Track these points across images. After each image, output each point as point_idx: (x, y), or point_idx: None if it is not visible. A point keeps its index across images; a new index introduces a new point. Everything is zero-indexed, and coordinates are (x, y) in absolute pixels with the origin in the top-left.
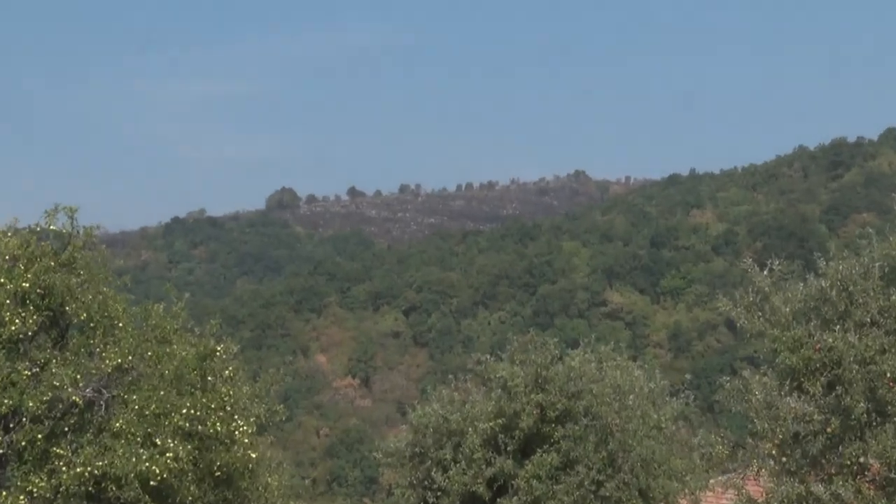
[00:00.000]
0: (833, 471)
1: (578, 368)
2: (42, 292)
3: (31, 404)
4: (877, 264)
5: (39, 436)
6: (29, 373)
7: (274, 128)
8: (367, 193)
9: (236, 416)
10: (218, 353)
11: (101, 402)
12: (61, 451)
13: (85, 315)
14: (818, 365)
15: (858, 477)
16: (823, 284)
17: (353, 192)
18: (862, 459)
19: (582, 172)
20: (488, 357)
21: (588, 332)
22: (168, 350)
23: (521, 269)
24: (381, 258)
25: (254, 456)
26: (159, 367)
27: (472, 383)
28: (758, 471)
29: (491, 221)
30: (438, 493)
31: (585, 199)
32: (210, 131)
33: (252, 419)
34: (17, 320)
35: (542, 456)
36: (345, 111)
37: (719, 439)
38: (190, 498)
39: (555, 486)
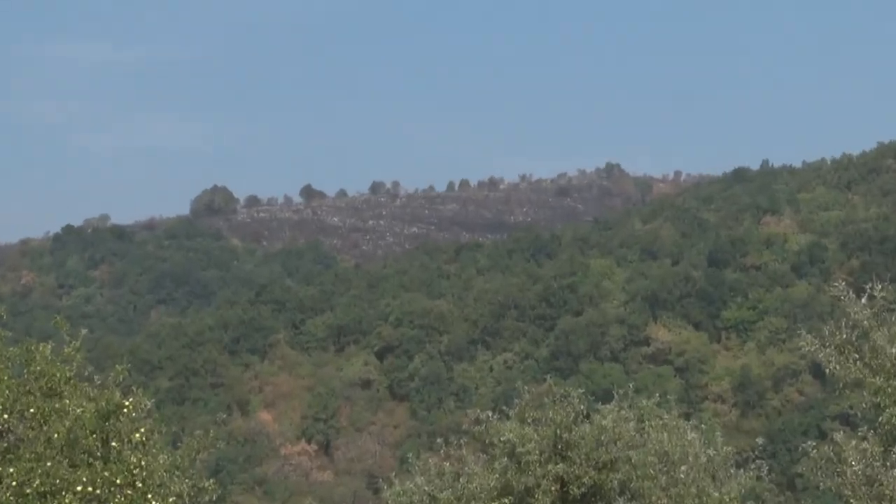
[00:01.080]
0: None
1: (612, 430)
2: None
3: None
4: None
5: None
6: None
7: (202, 108)
8: (328, 194)
9: (149, 495)
10: (126, 410)
11: None
12: None
13: None
14: None
15: None
16: None
17: (308, 192)
18: None
19: (615, 166)
20: (490, 414)
21: (625, 381)
22: (58, 406)
23: (535, 295)
24: (347, 281)
25: None
26: (46, 428)
27: (469, 449)
28: None
29: (494, 231)
30: None
31: (620, 201)
32: (113, 113)
33: (171, 499)
34: None
35: None
36: (298, 87)
37: None
38: None
39: None
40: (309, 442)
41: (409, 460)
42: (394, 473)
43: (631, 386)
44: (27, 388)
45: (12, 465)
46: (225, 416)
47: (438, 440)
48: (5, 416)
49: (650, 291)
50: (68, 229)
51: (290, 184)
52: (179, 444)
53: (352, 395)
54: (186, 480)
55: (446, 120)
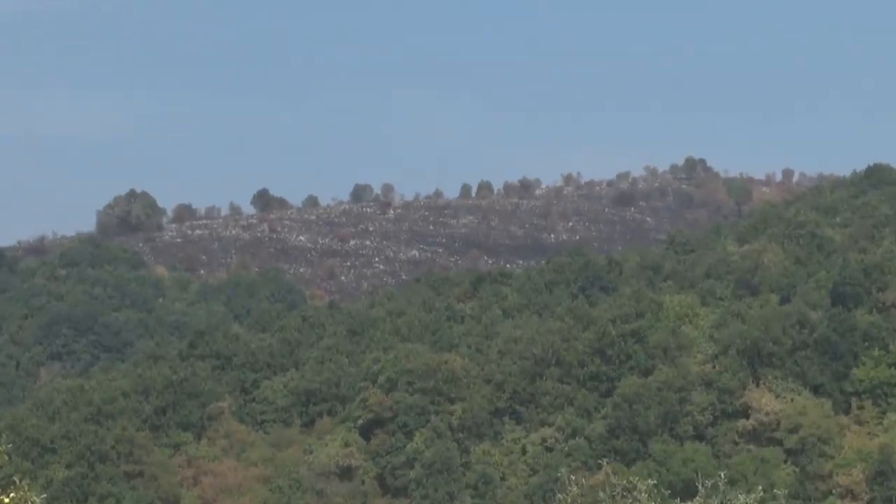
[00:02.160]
0: None
1: None
2: None
3: None
4: None
5: None
6: None
7: (111, 82)
8: (291, 203)
9: None
10: None
11: None
12: None
13: None
14: None
15: None
16: None
17: (263, 200)
18: None
19: (699, 163)
20: None
21: (714, 468)
22: None
23: (586, 346)
24: (318, 325)
25: None
26: None
27: None
28: None
29: (527, 255)
30: None
31: (707, 212)
32: None
33: None
34: None
35: None
36: (248, 54)
37: None
38: None
39: None
40: None
41: None
42: None
43: (723, 475)
44: None
45: None
46: None
47: None
48: None
49: (749, 341)
50: None
51: (238, 188)
52: None
53: (326, 489)
54: None
55: (458, 100)
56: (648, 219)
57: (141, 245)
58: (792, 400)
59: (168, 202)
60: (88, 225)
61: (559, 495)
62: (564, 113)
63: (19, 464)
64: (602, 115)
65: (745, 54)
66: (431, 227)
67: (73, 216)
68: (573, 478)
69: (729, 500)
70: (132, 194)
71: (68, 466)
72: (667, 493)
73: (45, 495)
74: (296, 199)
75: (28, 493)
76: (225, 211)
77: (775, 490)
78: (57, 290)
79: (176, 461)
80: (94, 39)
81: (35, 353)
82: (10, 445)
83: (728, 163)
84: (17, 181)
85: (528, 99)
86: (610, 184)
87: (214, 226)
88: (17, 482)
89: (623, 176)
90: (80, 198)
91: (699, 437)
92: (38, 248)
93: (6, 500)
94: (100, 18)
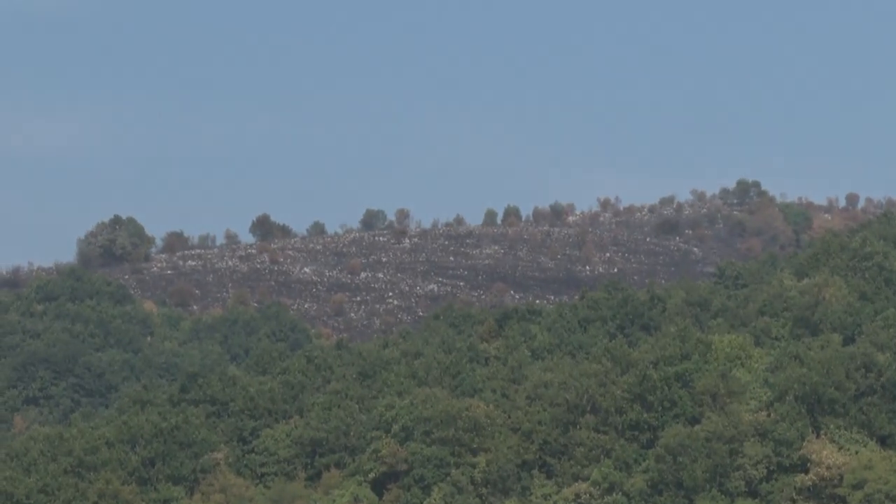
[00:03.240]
0: None
1: None
2: None
3: None
4: None
5: None
6: None
7: (91, 93)
8: (295, 231)
9: None
10: None
11: None
12: None
13: None
14: None
15: None
16: None
17: (263, 227)
18: None
19: (752, 186)
20: None
21: None
22: None
23: (625, 391)
24: (325, 367)
25: None
26: None
27: None
28: None
29: (559, 288)
30: None
31: (761, 242)
32: None
33: None
34: None
35: None
36: (243, 60)
37: None
38: None
39: None
40: None
41: None
42: None
43: None
44: None
45: None
46: None
47: None
48: None
49: (809, 386)
50: None
51: (236, 214)
52: None
53: None
54: None
55: (482, 117)
56: (695, 249)
57: (127, 277)
58: (857, 452)
59: (157, 230)
60: (68, 255)
61: None
62: (601, 131)
63: None
64: (644, 133)
65: (801, 66)
66: (452, 258)
67: (51, 245)
68: None
69: None
70: (117, 221)
71: None
72: None
73: None
74: (300, 226)
75: None
76: (220, 239)
77: None
78: (33, 327)
79: None
80: (70, 44)
81: (9, 397)
82: None
83: (785, 186)
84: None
85: (561, 116)
86: (652, 210)
87: (209, 256)
88: None
89: (667, 201)
90: (59, 224)
91: (752, 493)
92: (11, 281)
93: None
94: (82, 20)
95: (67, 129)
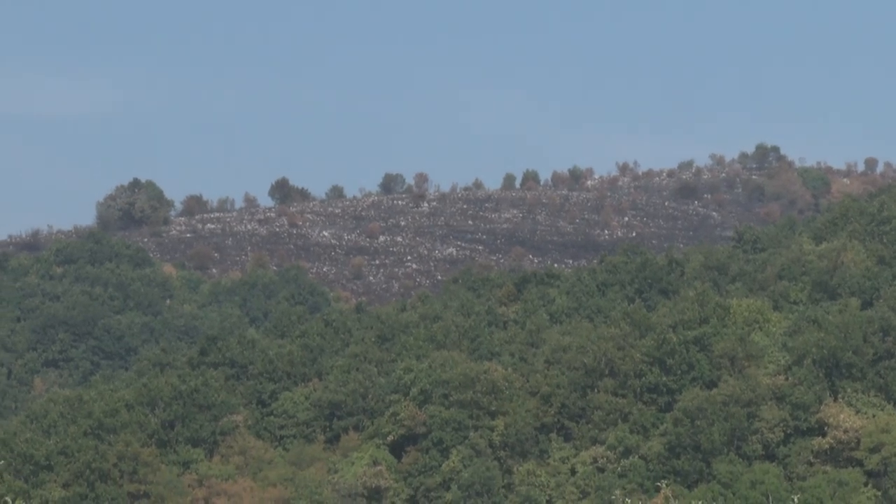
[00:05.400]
0: None
1: None
2: None
3: None
4: None
5: None
6: None
7: (110, 59)
8: (314, 194)
9: None
10: None
11: None
12: None
13: None
14: None
15: None
16: None
17: (282, 190)
18: None
19: (771, 150)
20: None
21: (785, 491)
22: None
23: (643, 355)
24: (344, 331)
25: None
26: None
27: None
28: None
29: (578, 253)
30: None
31: (780, 206)
32: None
33: None
34: None
35: None
36: (261, 27)
37: None
38: None
39: None
40: None
41: None
42: None
43: (795, 500)
44: None
45: None
46: None
47: None
48: None
49: (827, 350)
50: None
51: (254, 177)
52: None
53: None
54: None
55: (501, 81)
56: (714, 213)
57: (146, 240)
58: (874, 416)
59: (176, 193)
60: (87, 218)
61: None
62: (619, 95)
63: (12, 483)
64: (662, 97)
65: (820, 28)
66: (470, 222)
67: (71, 208)
68: (628, 501)
69: None
70: (136, 184)
71: (66, 486)
72: None
73: None
74: (319, 189)
75: None
76: (239, 203)
77: None
78: (52, 289)
79: (185, 480)
80: (88, 8)
81: (28, 359)
82: (2, 462)
83: (804, 151)
84: (7, 168)
85: (579, 79)
86: (671, 174)
87: (228, 219)
88: (10, 503)
89: (686, 165)
90: (78, 188)
91: (769, 456)
92: (31, 244)
93: None
94: None
95: (87, 94)
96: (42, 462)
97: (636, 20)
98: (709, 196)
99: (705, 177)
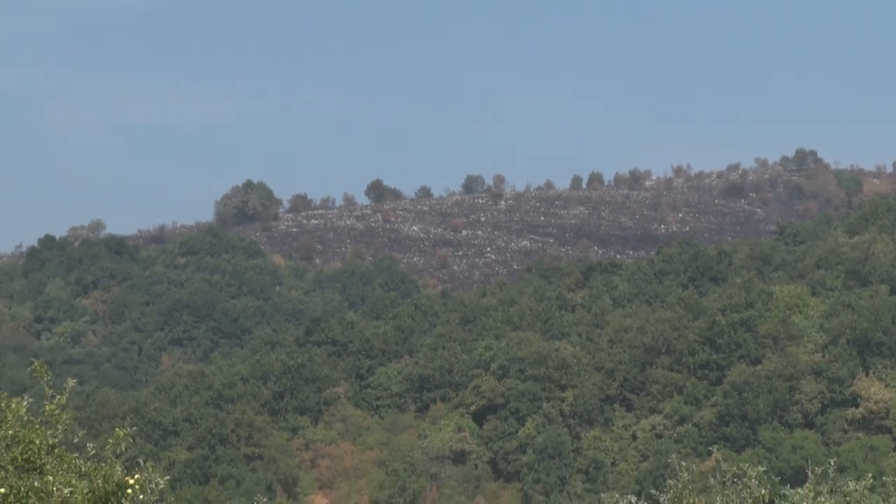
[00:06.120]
0: None
1: None
2: None
3: None
4: None
5: None
6: None
7: (228, 72)
8: (405, 194)
9: None
10: (130, 491)
11: None
12: None
13: None
14: None
15: None
16: None
17: (377, 190)
18: None
19: (810, 154)
20: (634, 500)
21: (823, 456)
22: (38, 484)
23: (695, 335)
24: (431, 313)
25: None
26: None
27: None
28: None
29: (637, 246)
30: None
31: (817, 204)
32: (91, 77)
33: None
34: None
35: None
36: (360, 44)
37: None
38: None
39: None
40: None
41: None
42: None
43: (832, 463)
44: None
45: None
46: (265, 500)
47: None
48: None
49: (859, 331)
50: (47, 241)
51: (353, 179)
52: None
53: (440, 473)
54: None
55: (569, 92)
56: (758, 210)
57: (258, 234)
58: None
59: (284, 193)
60: (207, 215)
61: (669, 481)
62: (675, 105)
63: (143, 446)
64: (712, 107)
65: (856, 46)
66: (542, 218)
67: (192, 206)
68: (683, 464)
69: (838, 486)
70: (249, 185)
71: (190, 449)
72: (776, 479)
73: (168, 476)
74: (409, 189)
75: (152, 475)
76: (339, 201)
77: (885, 477)
78: (177, 277)
79: (294, 444)
80: (210, 31)
81: (157, 338)
82: (135, 428)
83: (839, 154)
84: (138, 173)
85: (639, 92)
86: (720, 175)
87: (329, 216)
88: (142, 464)
89: (733, 167)
90: (199, 189)
91: (808, 424)
92: (158, 238)
93: (131, 482)
94: (213, 8)
95: (206, 106)
96: (169, 428)
97: (687, 36)
98: (754, 195)
99: (750, 178)
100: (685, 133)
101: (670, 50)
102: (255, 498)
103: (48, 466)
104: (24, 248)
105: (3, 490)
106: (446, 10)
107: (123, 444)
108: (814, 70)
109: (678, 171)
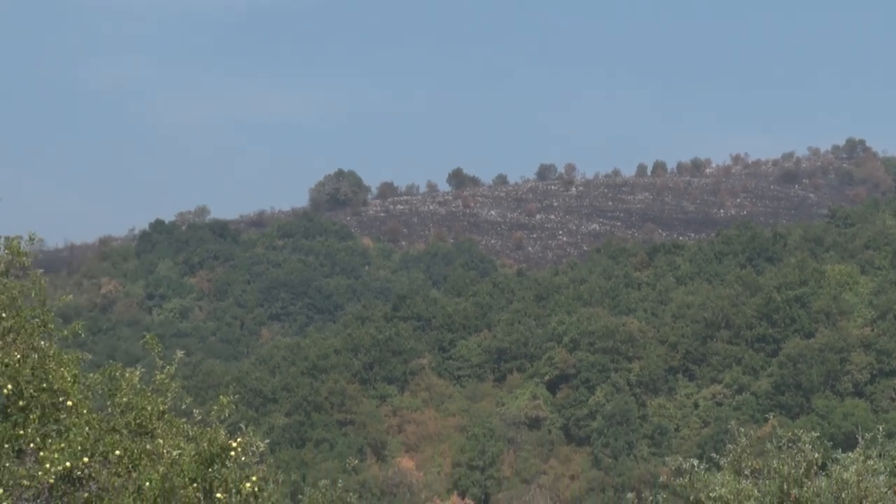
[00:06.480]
0: None
1: (856, 485)
2: None
3: None
4: None
5: None
6: None
7: (321, 70)
8: (483, 181)
9: None
10: (233, 454)
11: None
12: None
13: (10, 387)
14: None
15: None
16: None
17: (458, 178)
18: None
19: (859, 143)
20: (696, 464)
21: (872, 423)
22: (149, 447)
23: (753, 310)
24: (508, 291)
25: None
26: (135, 475)
27: None
28: None
29: (698, 228)
30: None
31: (866, 189)
32: (199, 73)
33: None
34: None
35: None
36: (441, 43)
37: None
38: None
39: None
40: (463, 496)
41: None
42: None
43: (881, 429)
44: (111, 424)
45: None
46: (356, 462)
47: (629, 495)
48: (85, 459)
49: None
50: (158, 226)
51: (435, 168)
52: (300, 496)
53: (516, 438)
54: None
55: (634, 85)
56: (811, 195)
57: (349, 219)
58: None
59: (372, 180)
60: (302, 201)
61: (729, 445)
62: (733, 97)
63: (245, 412)
64: (769, 99)
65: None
66: (610, 203)
67: (289, 193)
68: (742, 429)
69: (887, 451)
70: (340, 174)
71: (287, 415)
72: (829, 444)
73: (267, 440)
74: (487, 177)
75: (253, 438)
76: (423, 188)
77: None
78: (275, 258)
79: (382, 411)
80: (307, 31)
81: (257, 314)
82: (237, 396)
83: (887, 143)
84: (240, 162)
85: (700, 85)
86: (775, 163)
87: (414, 201)
88: (244, 428)
89: (788, 156)
90: (295, 176)
91: (858, 393)
92: (257, 222)
93: (234, 445)
94: (311, 12)
95: (301, 100)
96: (269, 395)
97: (746, 30)
98: (807, 181)
99: (804, 165)
100: (744, 125)
101: (725, 44)
102: (347, 460)
103: (159, 431)
104: (136, 232)
105: (118, 452)
106: (527, 18)
107: (227, 411)
108: (863, 64)
109: (736, 159)
